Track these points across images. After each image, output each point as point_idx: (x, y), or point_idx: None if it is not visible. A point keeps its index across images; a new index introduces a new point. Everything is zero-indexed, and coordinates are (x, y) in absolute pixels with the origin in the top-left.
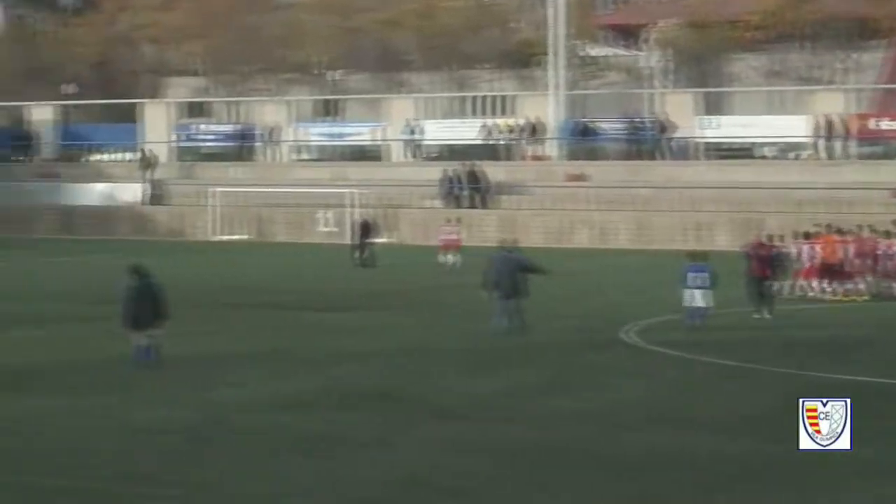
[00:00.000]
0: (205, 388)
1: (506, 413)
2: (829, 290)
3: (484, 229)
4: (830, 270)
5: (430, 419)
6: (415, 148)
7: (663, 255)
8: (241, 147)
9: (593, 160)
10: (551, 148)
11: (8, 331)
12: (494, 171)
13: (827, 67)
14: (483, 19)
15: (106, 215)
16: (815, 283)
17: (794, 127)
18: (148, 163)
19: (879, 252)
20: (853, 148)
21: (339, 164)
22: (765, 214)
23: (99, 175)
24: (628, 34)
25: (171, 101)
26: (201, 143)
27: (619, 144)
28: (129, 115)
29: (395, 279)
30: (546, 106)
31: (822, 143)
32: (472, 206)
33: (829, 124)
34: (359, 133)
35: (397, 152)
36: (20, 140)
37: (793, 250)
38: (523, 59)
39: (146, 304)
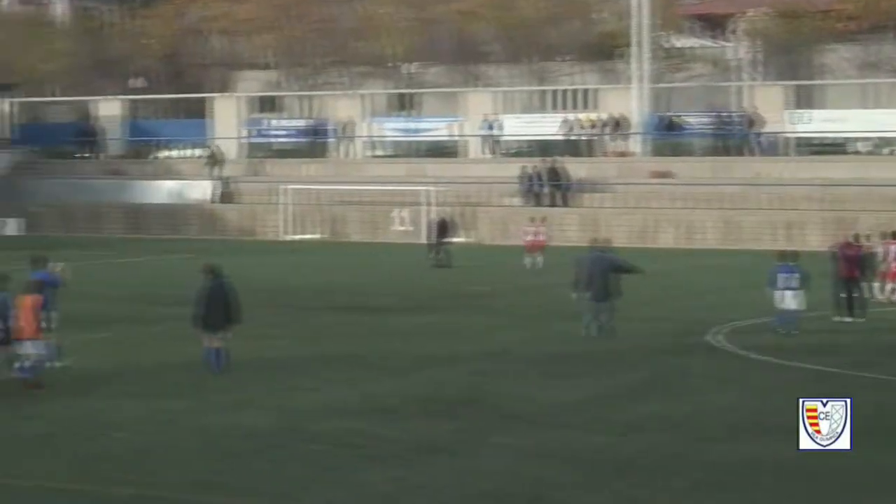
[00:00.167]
0: (278, 394)
1: (590, 420)
2: None
3: (565, 228)
4: None
5: (511, 426)
6: (493, 144)
7: (752, 255)
8: (314, 143)
9: (679, 156)
10: (635, 144)
11: (76, 333)
12: (576, 168)
13: None
14: (564, 10)
15: (174, 214)
16: None
17: (888, 121)
18: (215, 160)
19: None
20: None
21: (414, 160)
22: (858, 213)
23: (167, 172)
24: (715, 24)
25: (242, 95)
26: (272, 139)
27: (705, 140)
28: (198, 110)
29: (473, 280)
30: (629, 100)
31: None
32: (553, 205)
33: None
34: (435, 128)
35: (475, 148)
36: (84, 135)
37: (879, 250)
38: (606, 50)
39: (218, 306)
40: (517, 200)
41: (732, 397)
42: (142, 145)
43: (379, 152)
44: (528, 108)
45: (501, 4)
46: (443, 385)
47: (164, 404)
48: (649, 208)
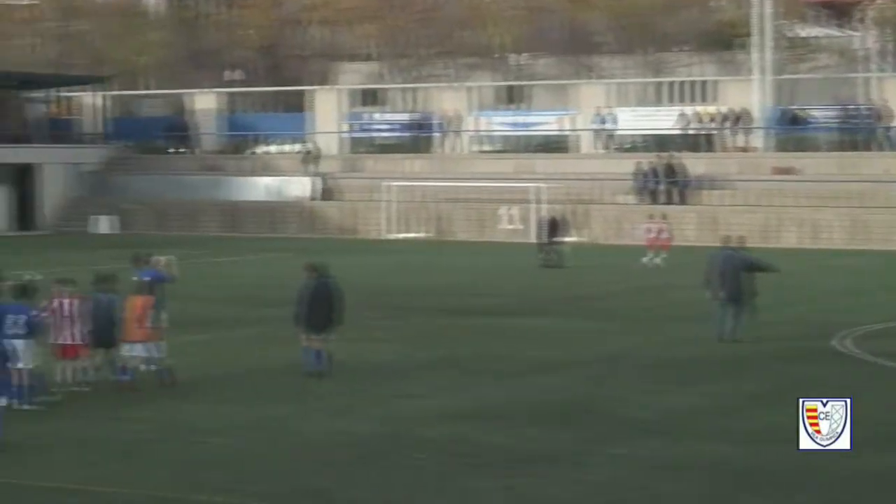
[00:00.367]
0: (381, 399)
1: (709, 429)
2: None
3: (682, 227)
4: None
5: (626, 435)
6: (606, 138)
7: (881, 256)
8: (418, 138)
9: (803, 152)
10: (756, 138)
11: (173, 335)
12: (694, 164)
13: None
14: None
15: (272, 212)
16: None
17: None
18: (311, 157)
19: None
20: None
21: (523, 156)
22: None
23: (265, 168)
24: (841, 12)
25: (343, 87)
26: (375, 134)
27: (831, 134)
28: (297, 104)
29: (586, 281)
30: (750, 92)
31: None
32: (669, 202)
33: None
34: (545, 122)
35: (587, 143)
36: (176, 130)
37: None
38: (725, 40)
39: (322, 305)
40: (631, 198)
41: (862, 407)
42: (238, 140)
43: (486, 147)
44: (642, 101)
45: None
46: (554, 391)
47: (263, 409)
48: (771, 206)
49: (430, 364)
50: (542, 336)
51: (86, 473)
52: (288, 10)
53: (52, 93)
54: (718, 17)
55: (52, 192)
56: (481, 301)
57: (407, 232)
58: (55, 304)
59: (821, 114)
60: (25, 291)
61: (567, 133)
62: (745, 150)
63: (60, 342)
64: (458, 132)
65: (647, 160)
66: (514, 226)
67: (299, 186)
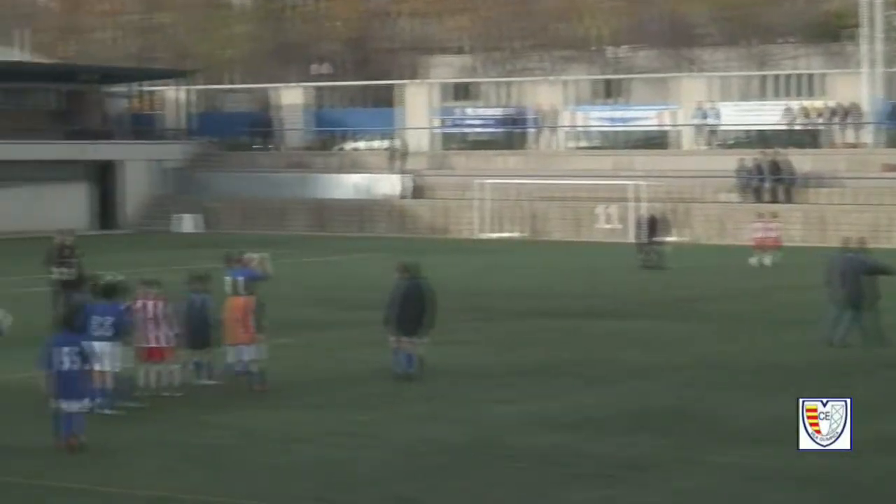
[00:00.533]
0: (473, 405)
1: None
2: None
3: (789, 227)
4: None
5: (727, 443)
6: (708, 134)
7: None
8: (512, 133)
9: None
10: (866, 134)
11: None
12: (800, 161)
13: None
14: None
15: (361, 210)
16: None
17: None
18: (397, 153)
19: None
20: None
21: (622, 152)
22: None
23: (353, 165)
24: None
25: (434, 82)
26: (467, 129)
27: None
28: (386, 98)
29: (688, 283)
30: (859, 85)
31: None
32: (774, 201)
33: None
34: (644, 117)
35: (688, 139)
36: (261, 125)
37: None
38: (832, 31)
39: (413, 307)
40: (734, 196)
41: None
42: (326, 136)
43: (583, 143)
44: (746, 95)
45: None
46: (652, 397)
47: (351, 415)
48: (882, 205)
49: (522, 369)
50: (642, 340)
51: (168, 482)
52: (377, 2)
53: (134, 87)
54: (825, 7)
55: (134, 190)
56: (577, 303)
57: (500, 231)
58: (139, 305)
59: None
60: (114, 291)
61: (667, 128)
62: (854, 146)
63: (144, 345)
64: (553, 128)
65: (750, 157)
66: (611, 225)
67: (388, 184)
